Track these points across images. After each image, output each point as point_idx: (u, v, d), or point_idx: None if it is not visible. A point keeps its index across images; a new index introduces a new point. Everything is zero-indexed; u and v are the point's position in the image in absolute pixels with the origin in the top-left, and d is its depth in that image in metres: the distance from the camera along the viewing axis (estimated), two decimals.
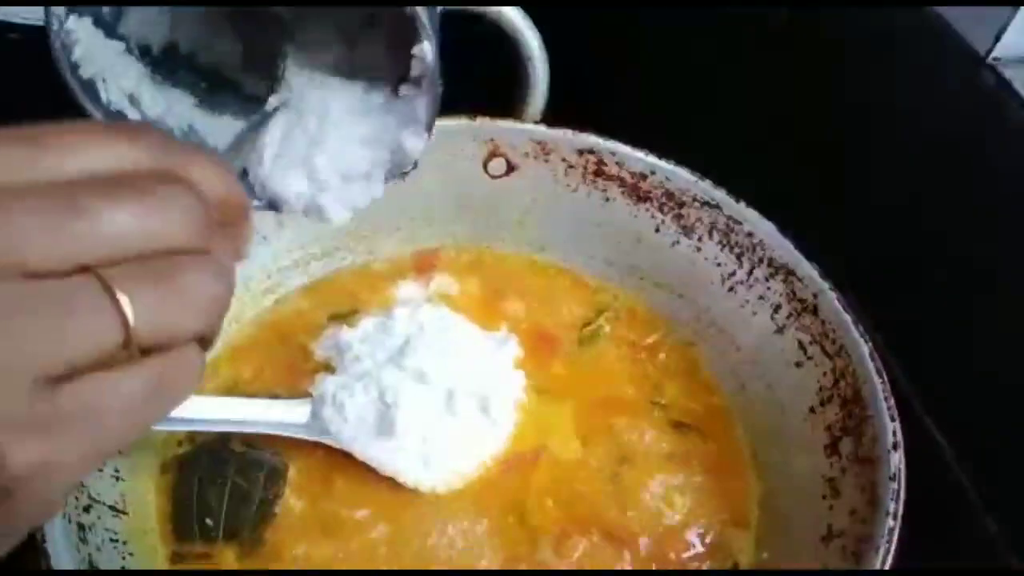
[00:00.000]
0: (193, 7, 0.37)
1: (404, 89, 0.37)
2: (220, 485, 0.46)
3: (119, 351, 0.21)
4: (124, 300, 0.21)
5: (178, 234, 0.22)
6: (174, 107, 0.37)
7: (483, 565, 0.44)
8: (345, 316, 0.53)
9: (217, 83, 0.39)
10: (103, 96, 0.35)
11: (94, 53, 0.34)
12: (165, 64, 0.37)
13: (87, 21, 0.33)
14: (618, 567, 0.45)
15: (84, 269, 0.21)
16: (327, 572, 0.44)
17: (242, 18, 0.39)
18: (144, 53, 0.36)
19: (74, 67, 0.33)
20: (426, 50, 0.34)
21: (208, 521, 0.45)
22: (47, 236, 0.20)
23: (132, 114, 0.36)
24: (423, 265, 0.57)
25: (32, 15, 0.69)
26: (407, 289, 0.56)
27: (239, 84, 0.40)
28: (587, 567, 0.45)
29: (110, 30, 0.34)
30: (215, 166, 0.24)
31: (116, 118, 0.35)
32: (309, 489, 0.47)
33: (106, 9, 0.34)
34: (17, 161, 0.21)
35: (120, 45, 0.35)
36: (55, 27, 0.32)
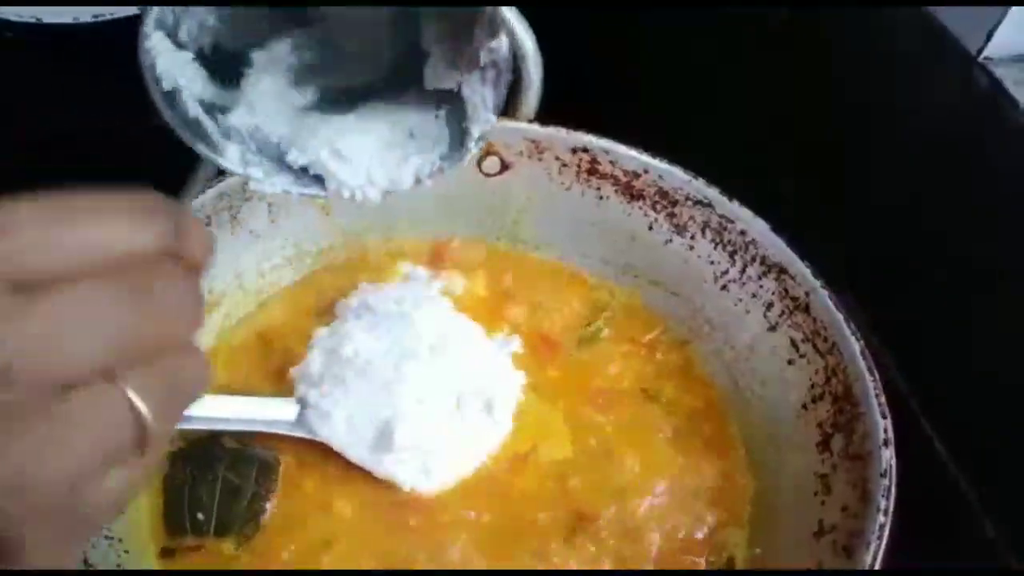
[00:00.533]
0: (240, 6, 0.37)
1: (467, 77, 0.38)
2: (211, 481, 0.46)
3: (135, 445, 0.23)
4: (143, 402, 0.23)
5: (181, 323, 0.24)
6: (234, 106, 0.38)
7: (477, 562, 0.44)
8: (333, 313, 0.53)
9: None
10: (180, 107, 0.35)
11: (169, 64, 0.35)
12: (217, 64, 0.38)
13: (161, 34, 0.34)
14: (613, 564, 0.45)
15: (104, 374, 0.22)
16: (327, 572, 0.44)
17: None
18: (199, 54, 0.37)
19: (157, 81, 0.34)
20: (502, 43, 0.36)
21: (200, 516, 0.45)
22: (75, 344, 0.21)
23: (206, 122, 0.36)
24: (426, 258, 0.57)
25: (27, 13, 0.69)
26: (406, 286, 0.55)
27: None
28: (582, 564, 0.45)
29: (175, 40, 0.35)
30: (200, 229, 0.26)
31: (194, 127, 0.36)
32: (301, 484, 0.47)
33: (169, 19, 0.34)
34: (31, 253, 0.22)
35: (188, 55, 0.36)
36: (143, 45, 0.34)
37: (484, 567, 0.44)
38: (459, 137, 0.38)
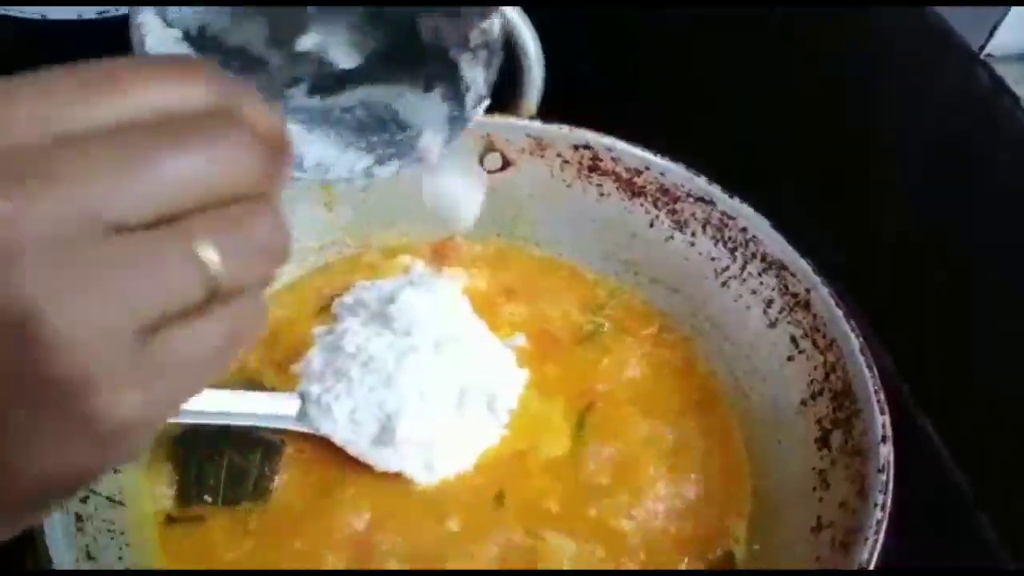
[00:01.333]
0: None
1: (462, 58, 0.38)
2: (217, 463, 0.46)
3: (202, 300, 0.22)
4: (208, 251, 0.21)
5: (245, 178, 0.22)
6: None
7: (476, 549, 0.45)
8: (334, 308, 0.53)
9: (247, 62, 0.40)
10: None
11: (159, 43, 0.35)
12: (205, 47, 0.38)
13: (152, 12, 0.34)
14: (611, 559, 0.45)
15: (164, 219, 0.21)
16: (326, 572, 0.44)
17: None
18: (186, 35, 0.37)
19: None
20: (494, 24, 0.36)
21: (207, 497, 0.46)
22: (123, 187, 0.20)
23: None
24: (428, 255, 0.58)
25: (30, 10, 0.69)
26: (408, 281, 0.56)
27: (267, 62, 0.40)
28: (581, 560, 0.45)
29: (164, 17, 0.35)
30: (263, 103, 0.24)
31: None
32: (306, 467, 0.47)
33: None
34: (76, 105, 0.20)
35: (177, 32, 0.36)
36: (134, 21, 0.34)
37: (482, 557, 0.45)
38: (455, 116, 0.39)
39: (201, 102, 0.22)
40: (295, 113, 0.39)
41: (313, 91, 0.39)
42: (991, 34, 0.50)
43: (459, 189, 0.43)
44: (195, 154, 0.21)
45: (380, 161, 0.39)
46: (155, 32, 0.35)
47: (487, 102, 0.38)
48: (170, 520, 0.45)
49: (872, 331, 0.51)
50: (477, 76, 0.38)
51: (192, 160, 0.21)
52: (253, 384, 0.50)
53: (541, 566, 0.45)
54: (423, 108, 0.39)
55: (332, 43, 0.39)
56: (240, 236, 0.22)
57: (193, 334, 0.22)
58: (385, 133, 0.39)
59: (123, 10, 0.69)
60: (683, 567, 0.45)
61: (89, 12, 0.69)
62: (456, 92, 0.38)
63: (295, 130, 0.39)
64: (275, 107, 0.25)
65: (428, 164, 0.39)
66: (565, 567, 0.45)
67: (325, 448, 0.47)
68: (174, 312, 0.21)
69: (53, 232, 0.19)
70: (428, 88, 0.39)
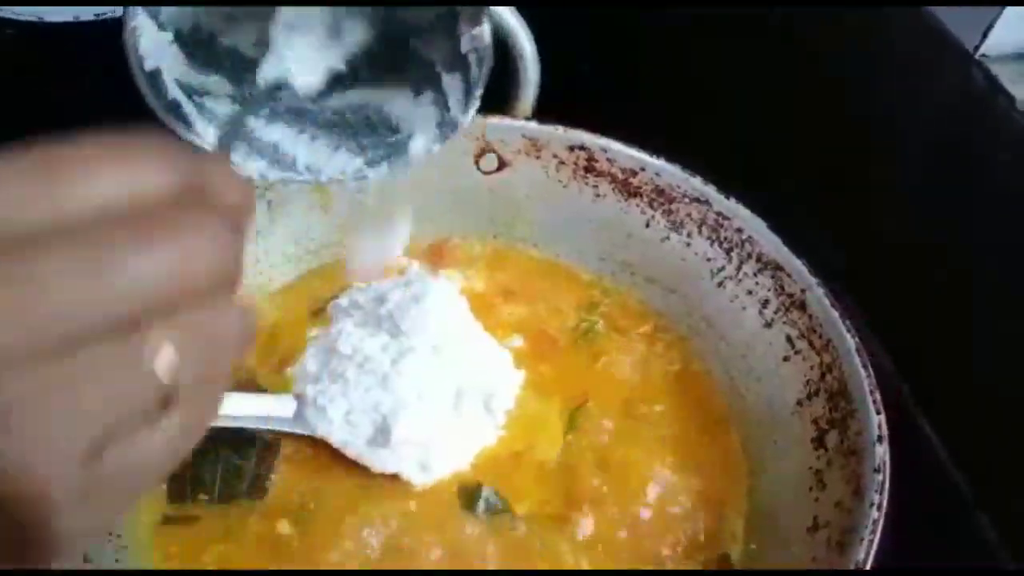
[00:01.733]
0: None
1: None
2: (213, 460, 0.46)
3: (157, 409, 0.21)
4: (167, 359, 0.20)
5: (211, 273, 0.21)
6: (212, 90, 0.38)
7: (471, 549, 0.45)
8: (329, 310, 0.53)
9: (239, 63, 0.40)
10: (162, 88, 0.36)
11: (151, 46, 0.35)
12: (194, 46, 0.38)
13: (145, 15, 0.34)
14: (608, 558, 0.45)
15: (124, 325, 0.20)
16: (326, 572, 0.44)
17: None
18: (178, 36, 0.37)
19: (140, 60, 0.35)
20: (484, 31, 0.37)
21: (202, 496, 0.46)
22: (85, 296, 0.19)
23: (185, 103, 0.37)
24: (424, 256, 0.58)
25: (28, 12, 0.69)
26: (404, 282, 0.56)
27: (258, 62, 0.40)
28: (576, 559, 0.45)
29: (157, 19, 0.35)
30: (231, 173, 0.24)
31: (173, 109, 0.36)
32: (302, 465, 0.47)
33: None
34: (30, 198, 0.19)
35: (169, 35, 0.36)
36: (128, 25, 0.34)
37: (479, 557, 0.45)
38: (445, 121, 0.39)
39: (168, 185, 0.21)
40: (287, 114, 0.39)
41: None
42: (986, 34, 0.50)
43: (375, 250, 0.43)
44: (161, 255, 0.20)
45: (370, 163, 0.39)
46: (148, 34, 0.35)
47: (477, 106, 0.39)
48: (166, 520, 0.45)
49: (871, 331, 0.51)
50: (465, 82, 0.38)
51: (158, 262, 0.20)
52: (249, 385, 0.50)
53: (538, 566, 0.45)
54: (413, 112, 0.39)
55: (294, 66, 0.39)
56: (202, 340, 0.21)
57: (145, 444, 0.21)
58: (375, 135, 0.40)
59: (119, 12, 0.69)
60: (679, 567, 0.45)
61: (86, 14, 0.69)
62: (445, 97, 0.39)
63: (286, 132, 0.39)
64: (246, 163, 0.25)
65: (416, 166, 0.39)
66: (561, 567, 0.45)
67: (321, 446, 0.47)
68: (127, 426, 0.21)
69: (4, 344, 0.18)
70: (418, 92, 0.40)
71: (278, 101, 0.39)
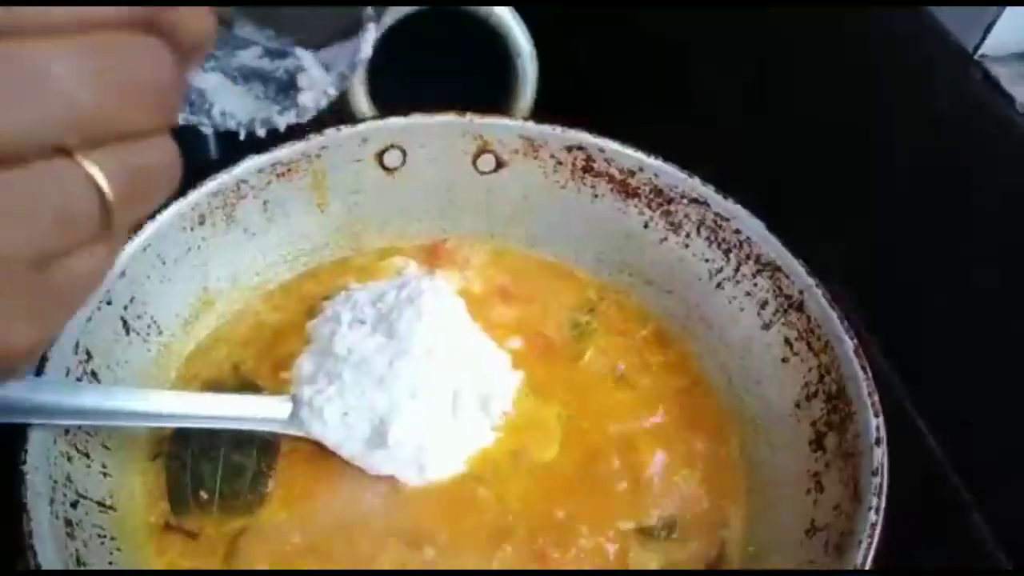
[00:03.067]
0: None
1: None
2: (213, 459, 0.46)
3: (96, 227, 0.22)
4: (103, 183, 0.21)
5: (151, 114, 0.22)
6: None
7: (468, 550, 0.45)
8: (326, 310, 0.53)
9: None
10: None
11: None
12: None
13: None
14: (603, 559, 0.45)
15: (61, 150, 0.21)
16: (326, 572, 0.44)
17: None
18: None
19: None
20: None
21: (203, 495, 0.46)
22: (21, 114, 0.20)
23: None
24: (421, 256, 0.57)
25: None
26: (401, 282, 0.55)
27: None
28: (573, 558, 0.45)
29: None
30: (196, 12, 0.24)
31: None
32: (302, 463, 0.47)
33: None
34: None
35: None
36: None
37: (475, 557, 0.44)
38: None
39: (122, 16, 0.21)
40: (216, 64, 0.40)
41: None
42: (986, 34, 0.50)
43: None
44: (95, 73, 0.20)
45: (281, 112, 0.39)
46: None
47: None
48: (167, 527, 0.45)
49: (869, 332, 0.51)
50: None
51: (90, 78, 0.20)
52: (246, 385, 0.50)
53: (535, 567, 0.44)
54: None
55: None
56: (133, 167, 0.22)
57: (90, 261, 0.22)
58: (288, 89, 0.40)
59: None
60: (676, 568, 0.45)
61: None
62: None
63: (212, 80, 0.40)
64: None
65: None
66: (560, 567, 0.45)
67: (320, 445, 0.47)
68: (68, 241, 0.22)
69: None
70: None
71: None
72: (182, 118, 0.38)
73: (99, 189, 0.21)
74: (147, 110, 0.22)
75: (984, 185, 0.50)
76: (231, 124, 0.39)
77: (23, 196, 0.20)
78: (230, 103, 0.39)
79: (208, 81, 0.39)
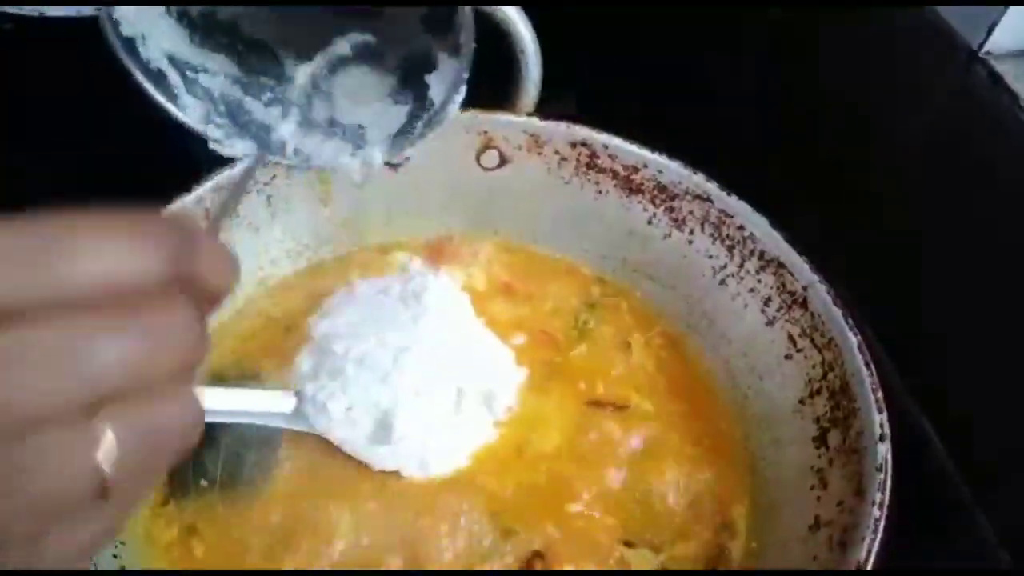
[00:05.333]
0: None
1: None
2: (215, 448, 0.47)
3: (96, 495, 0.21)
4: (109, 450, 0.21)
5: (172, 366, 0.22)
6: (212, 69, 0.39)
7: (470, 545, 0.45)
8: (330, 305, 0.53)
9: (255, 49, 0.40)
10: (142, 54, 0.36)
11: (132, 13, 0.35)
12: (203, 29, 0.38)
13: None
14: (607, 555, 0.45)
15: (67, 417, 0.20)
16: (326, 572, 0.44)
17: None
18: (183, 16, 0.37)
19: (115, 24, 0.35)
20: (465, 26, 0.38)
21: (203, 482, 0.46)
22: (42, 381, 0.20)
23: (172, 75, 0.37)
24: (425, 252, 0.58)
25: (28, 7, 0.69)
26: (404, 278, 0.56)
27: (276, 52, 0.41)
28: (576, 556, 0.45)
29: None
30: (219, 252, 0.24)
31: (154, 76, 0.36)
32: (303, 452, 0.47)
33: None
34: (8, 275, 0.19)
35: (159, 8, 0.36)
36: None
37: (480, 548, 0.45)
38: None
39: (152, 269, 0.21)
40: (284, 103, 0.39)
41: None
42: (990, 32, 0.50)
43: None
44: (128, 347, 0.21)
45: (355, 155, 0.40)
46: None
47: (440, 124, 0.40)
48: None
49: (872, 329, 0.51)
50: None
51: (123, 354, 0.21)
52: (250, 379, 0.50)
53: (537, 565, 0.44)
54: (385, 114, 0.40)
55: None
56: (148, 432, 0.22)
57: (80, 529, 0.22)
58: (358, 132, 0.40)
59: None
60: (680, 566, 0.45)
61: (87, 9, 0.69)
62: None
63: (280, 117, 0.40)
64: (231, 255, 0.24)
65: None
66: (563, 566, 0.44)
67: (323, 439, 0.47)
68: (64, 514, 0.21)
69: None
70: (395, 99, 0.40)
71: (280, 90, 0.39)
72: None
73: (99, 461, 0.21)
74: (175, 368, 0.22)
75: (988, 182, 0.50)
76: (312, 165, 0.40)
77: (33, 472, 0.20)
78: (299, 141, 0.39)
79: (268, 117, 0.40)
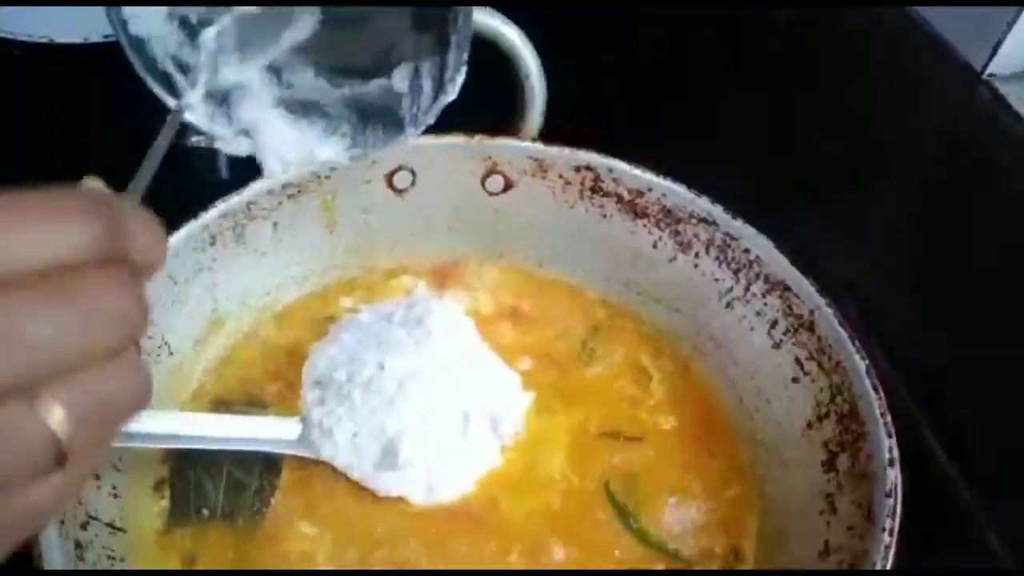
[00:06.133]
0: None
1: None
2: (216, 475, 0.47)
3: (51, 463, 0.22)
4: (60, 420, 0.21)
5: (111, 335, 0.22)
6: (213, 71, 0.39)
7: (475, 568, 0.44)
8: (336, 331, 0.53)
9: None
10: (149, 57, 0.37)
11: (141, 13, 0.36)
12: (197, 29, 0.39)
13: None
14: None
15: (20, 386, 0.21)
16: (327, 572, 0.43)
17: None
18: (183, 23, 0.38)
19: (123, 24, 0.36)
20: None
21: (204, 511, 0.46)
22: None
23: (178, 78, 0.39)
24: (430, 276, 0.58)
25: (37, 32, 0.70)
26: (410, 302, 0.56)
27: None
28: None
29: None
30: (147, 223, 0.24)
31: (161, 80, 0.38)
32: (305, 480, 0.47)
33: None
34: None
35: (163, 9, 0.37)
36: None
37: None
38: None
39: (84, 242, 0.22)
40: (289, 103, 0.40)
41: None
42: (993, 53, 0.50)
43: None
44: (67, 322, 0.21)
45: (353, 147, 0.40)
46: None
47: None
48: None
49: (878, 351, 0.50)
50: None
51: (61, 329, 0.21)
52: (256, 405, 0.50)
53: None
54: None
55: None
56: (96, 401, 0.22)
57: (35, 496, 0.22)
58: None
59: None
60: None
61: (95, 36, 0.70)
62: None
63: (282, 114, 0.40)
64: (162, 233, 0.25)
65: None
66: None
67: (325, 462, 0.47)
68: (19, 480, 0.22)
69: None
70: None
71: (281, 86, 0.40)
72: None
73: (54, 430, 0.21)
74: (116, 340, 0.22)
75: (991, 203, 0.50)
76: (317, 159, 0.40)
77: None
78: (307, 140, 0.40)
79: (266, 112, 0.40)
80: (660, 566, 0.46)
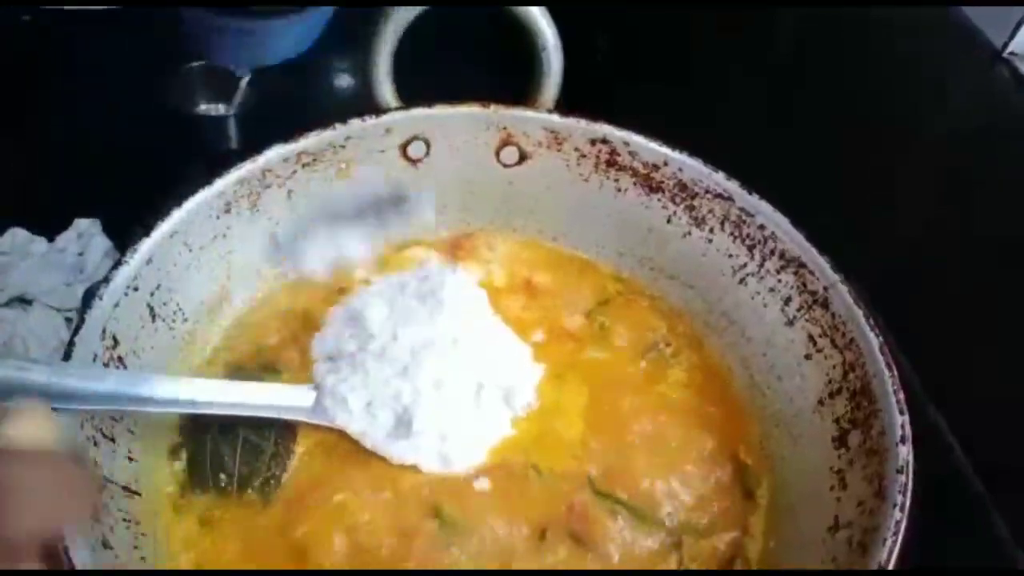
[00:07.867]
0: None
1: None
2: (232, 440, 0.47)
3: None
4: None
5: None
6: None
7: (480, 537, 0.45)
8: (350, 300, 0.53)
9: None
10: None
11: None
12: None
13: None
14: (623, 555, 0.45)
15: None
16: (327, 572, 0.44)
17: None
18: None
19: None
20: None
21: (221, 475, 0.46)
22: None
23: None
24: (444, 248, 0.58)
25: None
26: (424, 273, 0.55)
27: None
28: (585, 556, 0.45)
29: None
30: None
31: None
32: (319, 443, 0.47)
33: None
34: None
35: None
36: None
37: (496, 545, 0.45)
38: None
39: None
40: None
41: None
42: (1014, 32, 0.50)
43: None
44: None
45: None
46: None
47: None
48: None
49: (889, 330, 0.50)
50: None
51: None
52: (269, 372, 0.50)
53: (546, 565, 0.44)
54: None
55: None
56: None
57: None
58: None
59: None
60: (697, 564, 0.45)
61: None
62: None
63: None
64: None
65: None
66: (568, 567, 0.45)
67: (341, 432, 0.47)
68: None
69: None
70: None
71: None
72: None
73: None
74: None
75: (1010, 182, 0.50)
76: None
77: None
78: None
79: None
80: (667, 540, 0.46)
